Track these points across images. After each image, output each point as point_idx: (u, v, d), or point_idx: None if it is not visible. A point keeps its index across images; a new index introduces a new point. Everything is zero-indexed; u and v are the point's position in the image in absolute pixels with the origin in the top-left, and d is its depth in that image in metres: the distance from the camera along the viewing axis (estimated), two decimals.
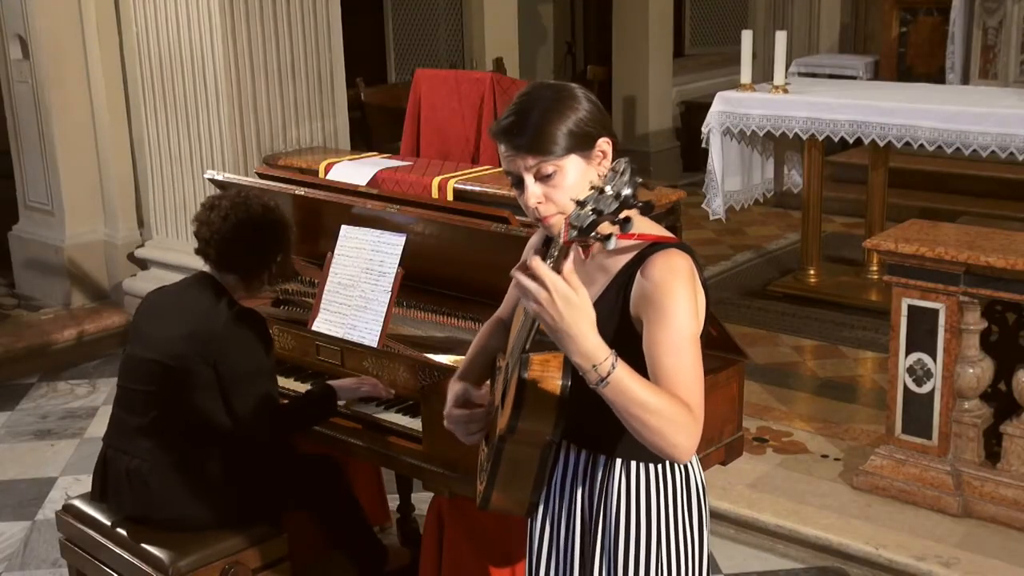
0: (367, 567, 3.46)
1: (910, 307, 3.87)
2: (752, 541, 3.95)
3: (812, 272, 6.26)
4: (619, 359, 1.84)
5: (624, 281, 2.01)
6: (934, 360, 3.86)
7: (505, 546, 2.98)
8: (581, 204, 1.73)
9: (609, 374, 1.82)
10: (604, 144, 2.02)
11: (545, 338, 1.88)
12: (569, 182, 1.99)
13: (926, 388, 3.90)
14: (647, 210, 1.77)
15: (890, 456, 4.02)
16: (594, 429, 2.08)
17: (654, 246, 2.01)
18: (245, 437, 3.10)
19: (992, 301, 3.85)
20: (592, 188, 1.74)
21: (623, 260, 2.03)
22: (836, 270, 6.47)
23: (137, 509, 3.15)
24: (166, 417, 3.09)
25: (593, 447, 2.16)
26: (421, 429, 2.98)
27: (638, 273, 1.99)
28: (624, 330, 2.00)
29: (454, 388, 2.29)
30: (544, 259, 1.83)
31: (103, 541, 3.21)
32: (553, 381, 1.89)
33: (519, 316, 2.08)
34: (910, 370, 3.92)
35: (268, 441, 3.14)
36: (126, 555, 3.13)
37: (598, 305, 2.00)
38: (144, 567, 3.08)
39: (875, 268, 6.11)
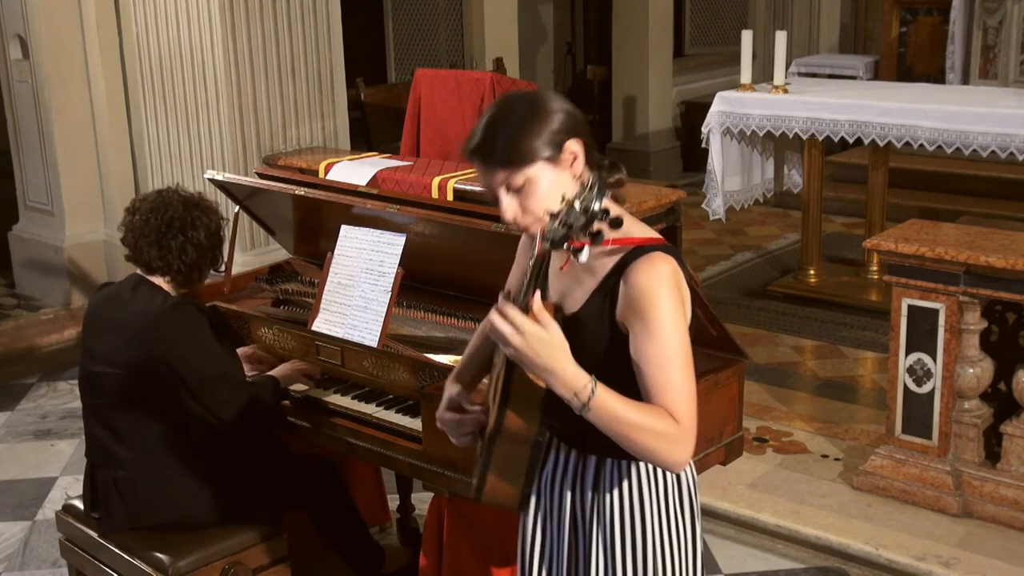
0: (364, 569, 3.46)
1: (910, 307, 3.87)
2: (752, 541, 3.95)
3: (812, 272, 6.26)
4: (599, 383, 1.88)
5: (610, 286, 2.01)
6: (934, 360, 3.86)
7: (505, 546, 2.98)
8: (554, 217, 1.80)
9: (590, 399, 1.87)
10: (574, 145, 2.01)
11: None
12: (542, 190, 1.99)
13: (926, 388, 3.90)
14: (615, 225, 1.82)
15: (890, 456, 4.02)
16: (583, 430, 2.07)
17: (637, 250, 2.00)
18: (221, 424, 3.10)
19: (992, 301, 3.85)
20: (563, 201, 1.80)
21: (609, 263, 2.02)
22: (836, 270, 6.47)
23: (132, 520, 3.14)
24: (136, 423, 3.09)
25: (583, 447, 2.17)
26: (421, 429, 2.98)
27: (621, 280, 1.99)
28: (615, 334, 2.01)
29: (448, 390, 2.30)
30: (527, 268, 1.90)
31: (103, 541, 3.21)
32: (537, 379, 1.92)
33: None
34: (910, 370, 3.92)
35: (241, 424, 3.12)
36: (126, 555, 3.13)
37: (586, 309, 2.03)
38: (144, 567, 3.08)
39: (875, 268, 6.11)
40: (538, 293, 1.89)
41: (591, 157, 2.04)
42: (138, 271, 3.20)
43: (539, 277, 1.89)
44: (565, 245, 1.81)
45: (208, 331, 3.10)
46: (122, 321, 3.11)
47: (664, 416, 1.89)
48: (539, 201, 1.98)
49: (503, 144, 1.98)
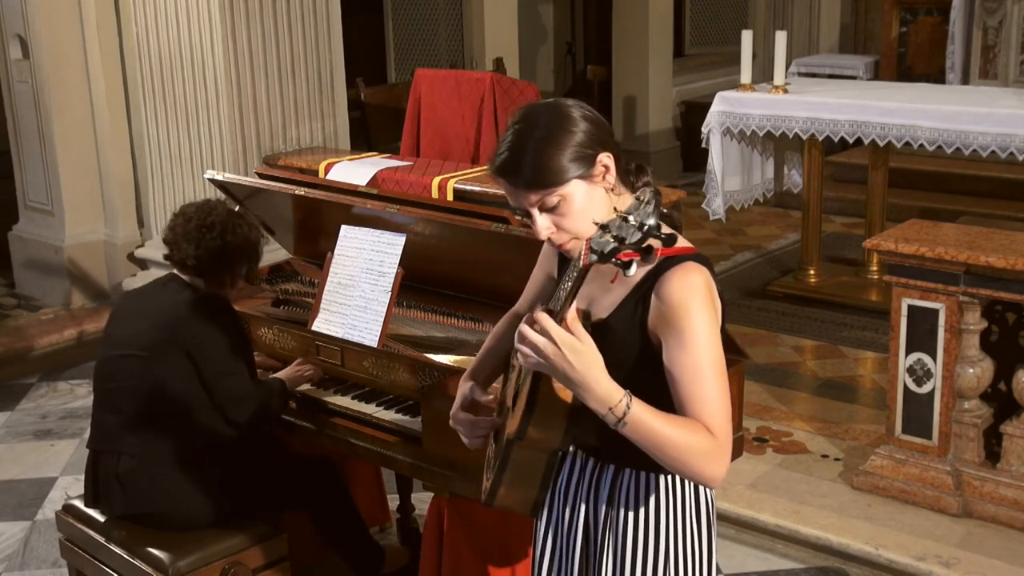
0: (364, 569, 3.46)
1: (910, 307, 3.87)
2: (752, 541, 3.95)
3: (812, 272, 6.26)
4: (634, 398, 1.84)
5: (641, 295, 1.98)
6: (934, 360, 3.86)
7: (505, 546, 2.98)
8: (603, 228, 1.73)
9: (625, 414, 1.83)
10: (605, 159, 1.97)
11: None
12: (577, 207, 1.95)
13: (926, 388, 3.90)
14: (670, 242, 1.76)
15: (890, 456, 4.02)
16: (604, 439, 2.05)
17: (670, 259, 1.96)
18: (229, 424, 3.13)
19: (992, 301, 3.85)
20: (617, 215, 1.73)
21: (640, 272, 1.98)
22: (836, 270, 6.47)
23: (131, 507, 3.15)
24: (147, 408, 3.12)
25: (602, 456, 2.14)
26: (421, 429, 2.98)
27: (654, 290, 1.95)
28: (645, 343, 1.98)
29: (462, 389, 2.27)
30: (564, 278, 1.84)
31: (103, 541, 3.21)
32: (565, 389, 1.89)
33: None
34: (910, 370, 3.92)
35: (243, 423, 3.15)
36: (126, 555, 3.13)
37: (615, 316, 2.00)
38: (144, 567, 3.08)
39: (875, 268, 6.11)
40: (574, 305, 1.84)
41: (620, 166, 2.00)
42: (173, 271, 3.27)
43: (579, 289, 1.83)
44: (614, 259, 1.73)
45: (230, 328, 3.15)
46: (149, 309, 3.18)
47: (701, 430, 1.86)
48: (574, 219, 1.95)
49: (532, 164, 1.93)
